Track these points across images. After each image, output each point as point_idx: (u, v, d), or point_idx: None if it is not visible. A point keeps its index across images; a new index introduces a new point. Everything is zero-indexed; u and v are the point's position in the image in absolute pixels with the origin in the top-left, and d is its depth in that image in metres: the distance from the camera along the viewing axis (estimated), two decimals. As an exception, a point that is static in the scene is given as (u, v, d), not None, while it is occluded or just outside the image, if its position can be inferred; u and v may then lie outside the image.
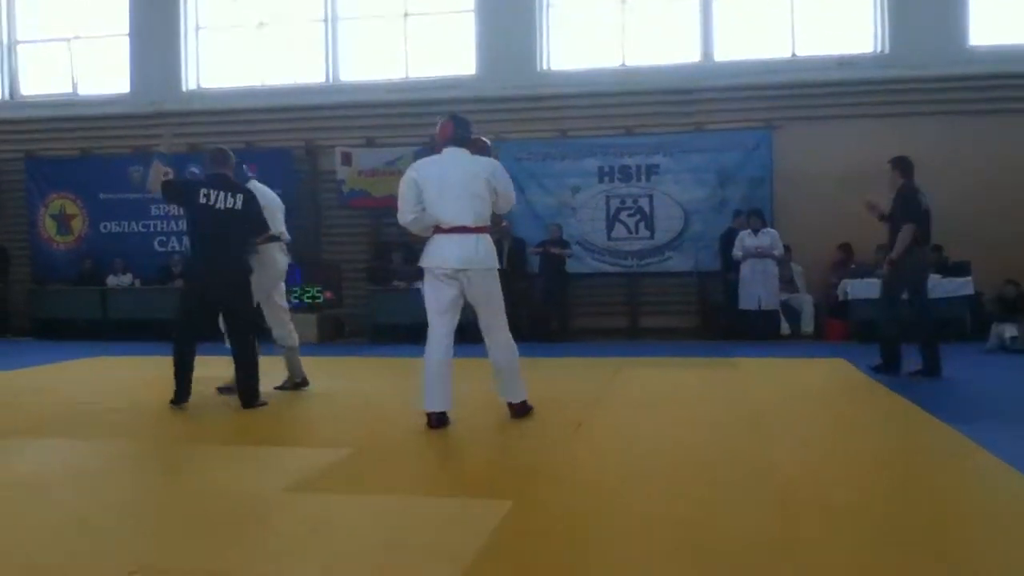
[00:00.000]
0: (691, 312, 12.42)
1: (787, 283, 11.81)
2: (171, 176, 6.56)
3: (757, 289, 11.31)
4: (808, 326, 11.74)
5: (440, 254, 5.37)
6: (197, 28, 14.35)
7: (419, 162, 5.57)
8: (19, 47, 15.08)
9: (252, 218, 6.25)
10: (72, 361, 9.85)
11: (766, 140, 12.27)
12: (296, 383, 7.08)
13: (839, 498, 3.78)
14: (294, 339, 7.00)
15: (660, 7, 13.15)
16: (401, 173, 12.30)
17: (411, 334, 11.86)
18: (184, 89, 14.19)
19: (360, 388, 7.41)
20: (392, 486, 4.08)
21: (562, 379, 7.69)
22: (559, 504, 3.80)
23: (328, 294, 12.39)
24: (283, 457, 4.72)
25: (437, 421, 5.33)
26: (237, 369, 6.29)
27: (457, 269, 5.34)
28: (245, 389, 6.24)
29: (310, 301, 12.19)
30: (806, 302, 11.85)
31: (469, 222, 5.34)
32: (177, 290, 12.72)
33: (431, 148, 12.69)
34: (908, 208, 7.50)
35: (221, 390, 6.79)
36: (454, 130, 5.49)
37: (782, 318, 11.61)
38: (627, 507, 3.69)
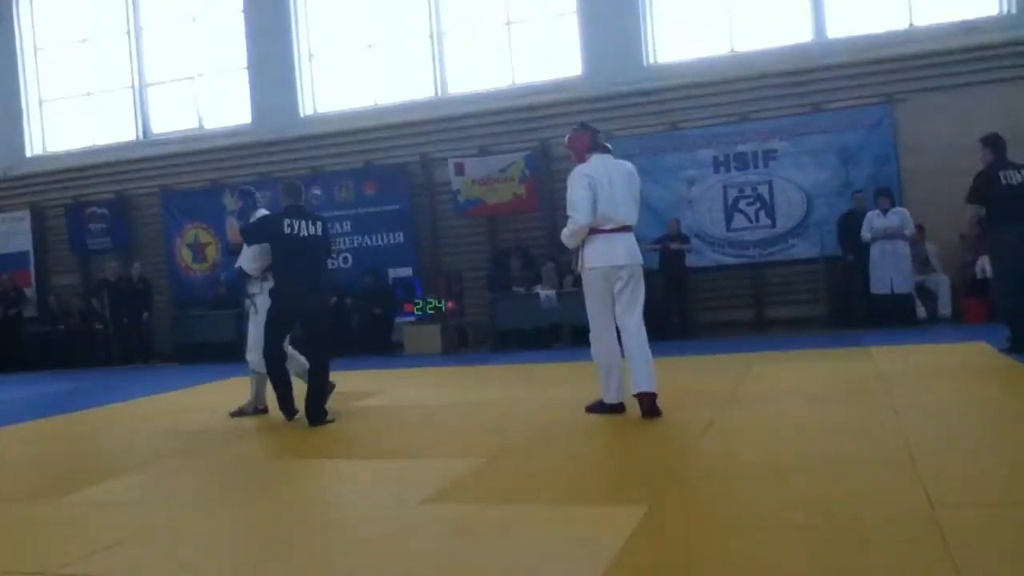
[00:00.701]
0: (820, 300, 12.01)
1: (921, 264, 11.32)
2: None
3: (889, 272, 10.88)
4: (946, 308, 11.22)
5: (611, 252, 5.66)
6: (310, 56, 14.85)
7: (583, 167, 5.75)
8: (149, 89, 15.95)
9: (329, 242, 6.62)
10: (210, 384, 10.29)
11: (888, 115, 11.78)
12: (258, 409, 7.08)
13: (992, 494, 3.58)
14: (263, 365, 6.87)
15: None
16: (513, 179, 12.45)
17: (533, 339, 12.05)
18: (302, 115, 14.72)
19: (487, 396, 7.47)
20: (526, 495, 4.09)
21: (688, 377, 7.57)
22: (695, 508, 3.73)
23: (450, 304, 12.58)
24: (416, 470, 4.80)
25: (622, 408, 5.76)
26: (311, 387, 6.42)
27: (623, 266, 5.67)
28: (315, 408, 6.37)
29: (432, 312, 12.42)
30: (942, 283, 11.31)
31: (632, 221, 5.79)
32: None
33: (543, 154, 12.88)
34: (975, 188, 7.66)
35: (234, 414, 7.02)
36: (594, 137, 5.87)
37: (917, 301, 11.10)
38: (766, 509, 3.60)
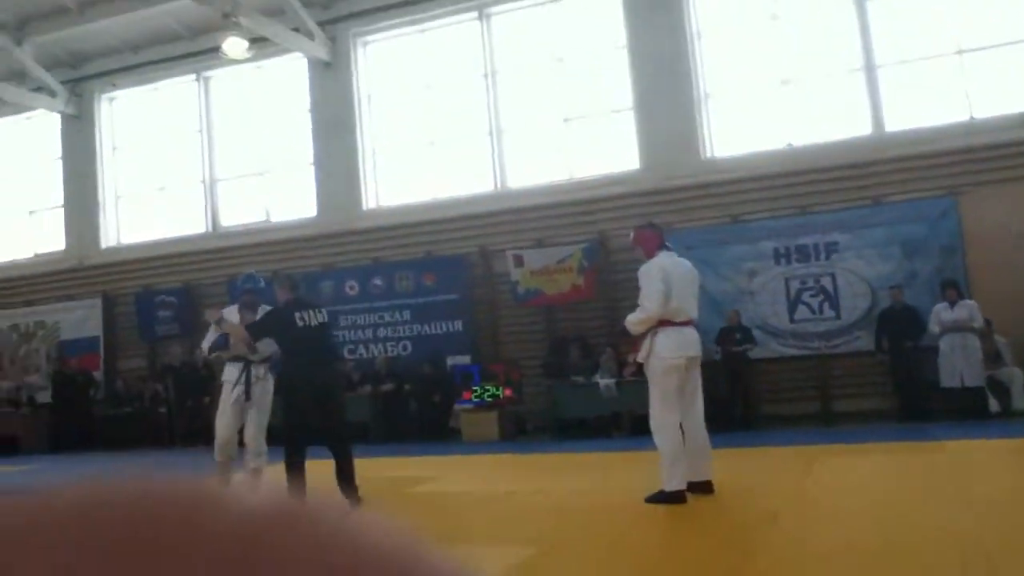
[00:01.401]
0: (887, 393, 11.69)
1: (992, 357, 10.96)
2: (222, 323, 6.85)
3: (959, 365, 10.63)
4: (1020, 402, 10.81)
5: (683, 343, 5.93)
6: (373, 152, 15.32)
7: (658, 260, 6.03)
8: (219, 184, 16.55)
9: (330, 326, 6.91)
10: (272, 465, 10.30)
11: (952, 208, 11.64)
12: None
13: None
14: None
15: (824, 82, 12.93)
16: (572, 270, 12.55)
17: (592, 428, 11.91)
18: (364, 208, 15.08)
19: (543, 484, 7.36)
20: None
21: (752, 469, 7.39)
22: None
23: (507, 391, 12.54)
24: (475, 557, 4.73)
25: (684, 498, 5.69)
26: (340, 473, 6.49)
27: (693, 357, 5.98)
28: (351, 492, 6.36)
29: (490, 399, 12.40)
30: (1015, 376, 10.94)
31: (696, 315, 6.13)
32: (364, 396, 13.40)
33: (600, 245, 12.97)
34: None
35: None
36: (662, 236, 6.25)
37: (989, 395, 10.76)
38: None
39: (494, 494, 6.84)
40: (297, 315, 6.53)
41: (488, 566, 4.37)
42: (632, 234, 6.30)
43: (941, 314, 10.87)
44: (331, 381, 6.76)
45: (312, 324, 6.54)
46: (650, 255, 6.06)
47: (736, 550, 4.51)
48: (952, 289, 10.91)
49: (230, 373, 6.96)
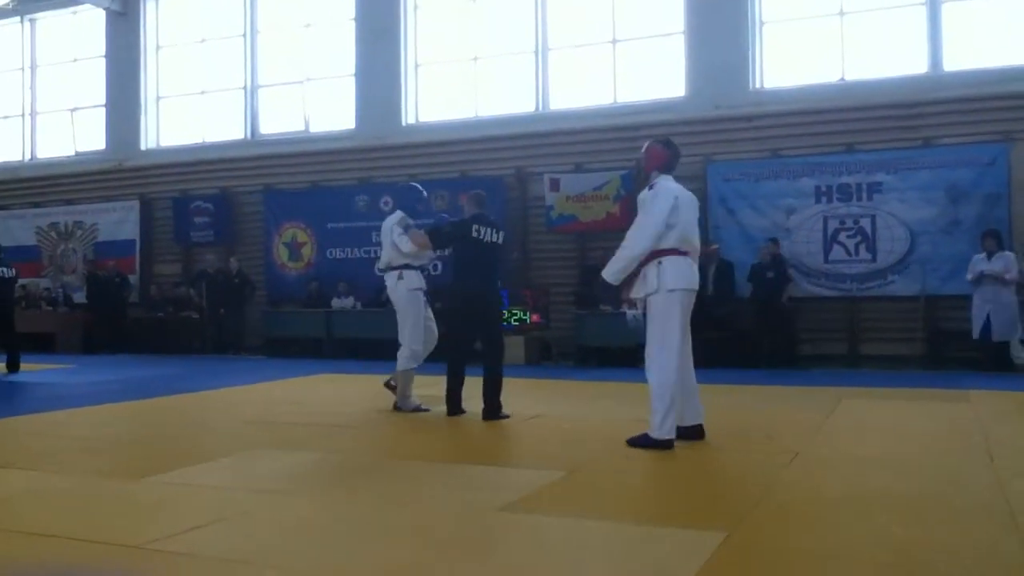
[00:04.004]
0: (917, 339, 11.59)
1: None
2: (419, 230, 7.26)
3: (991, 318, 10.50)
4: None
5: (690, 274, 5.51)
6: (416, 66, 15.11)
7: (671, 184, 5.57)
8: (260, 91, 16.47)
9: (506, 249, 7.04)
10: (297, 378, 10.53)
11: (1003, 154, 11.33)
12: (419, 407, 7.32)
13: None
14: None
15: (882, 17, 12.51)
16: (608, 197, 12.39)
17: (616, 357, 11.96)
18: (404, 123, 14.98)
19: (569, 410, 7.45)
20: (604, 511, 4.06)
21: (778, 407, 7.40)
22: (775, 539, 3.64)
23: (535, 317, 12.59)
24: (498, 477, 4.82)
25: (672, 445, 5.41)
26: (487, 383, 6.83)
27: (696, 291, 5.57)
28: (492, 403, 6.77)
29: (517, 323, 12.46)
30: None
31: (699, 247, 5.67)
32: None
33: (640, 173, 12.79)
34: None
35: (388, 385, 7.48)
36: (673, 158, 5.70)
37: (1013, 346, 10.61)
38: (846, 543, 3.49)
39: (520, 417, 6.90)
40: (474, 227, 6.84)
41: (516, 486, 4.44)
42: (645, 145, 5.73)
43: (977, 264, 10.68)
44: (492, 294, 7.02)
45: (485, 240, 6.83)
46: (649, 171, 5.62)
47: (755, 486, 4.54)
48: (992, 239, 10.69)
49: (418, 280, 7.31)
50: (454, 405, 6.95)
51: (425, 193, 7.88)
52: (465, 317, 6.99)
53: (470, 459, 5.43)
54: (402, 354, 7.27)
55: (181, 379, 10.53)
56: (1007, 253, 10.66)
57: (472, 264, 6.89)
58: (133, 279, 16.36)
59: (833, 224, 12.05)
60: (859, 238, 11.92)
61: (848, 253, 11.95)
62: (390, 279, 7.35)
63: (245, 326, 15.13)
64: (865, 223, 11.89)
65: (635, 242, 5.45)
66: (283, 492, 4.46)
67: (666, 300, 5.42)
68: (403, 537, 3.64)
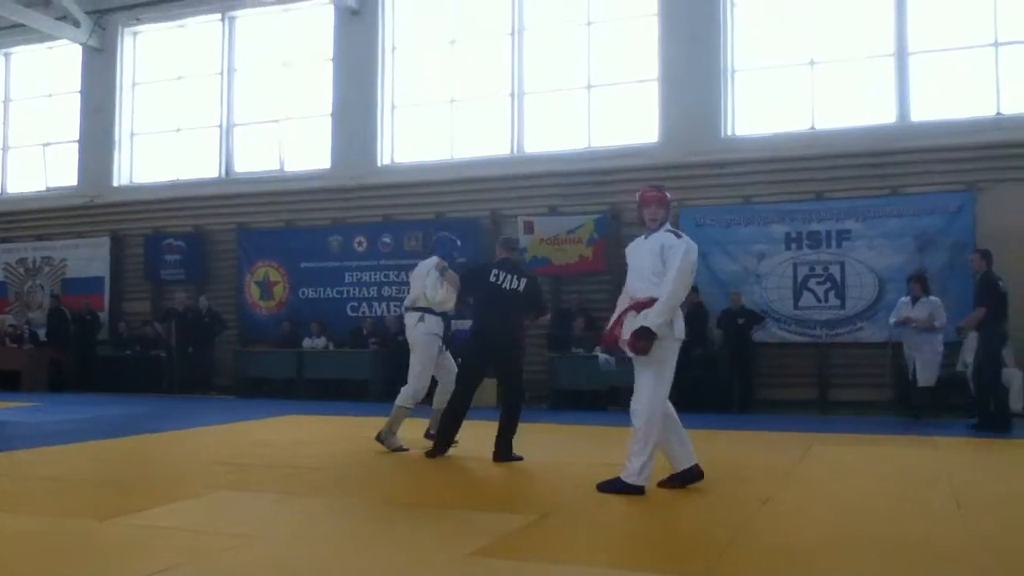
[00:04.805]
0: (885, 385, 11.64)
1: None
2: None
3: (916, 364, 10.44)
4: (1017, 403, 10.58)
5: (683, 327, 5.54)
6: (393, 107, 15.20)
7: (689, 240, 5.56)
8: (235, 129, 16.47)
9: (531, 298, 7.06)
10: (267, 419, 10.40)
11: (969, 203, 11.54)
12: (401, 448, 7.36)
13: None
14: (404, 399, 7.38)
15: (852, 67, 12.79)
16: (582, 241, 12.40)
17: (588, 401, 11.94)
18: (379, 164, 15.02)
19: (540, 454, 7.39)
20: (576, 556, 4.03)
21: (748, 452, 7.41)
22: (749, 584, 3.63)
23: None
24: (470, 520, 4.77)
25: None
26: (502, 424, 6.90)
27: None
28: (505, 444, 6.82)
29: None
30: (1015, 377, 10.74)
31: None
32: (368, 352, 13.46)
33: (613, 217, 12.91)
34: (987, 293, 9.26)
35: (429, 435, 7.45)
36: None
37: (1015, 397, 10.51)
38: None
39: (489, 460, 6.86)
40: (493, 272, 6.98)
41: (486, 531, 4.40)
42: (656, 193, 5.66)
43: (902, 309, 10.59)
44: (507, 338, 7.00)
45: (504, 286, 6.92)
46: (659, 223, 5.56)
47: (727, 530, 4.53)
48: (918, 283, 10.57)
49: (437, 326, 7.37)
50: (441, 445, 6.98)
51: (459, 242, 8.13)
52: (476, 359, 7.08)
53: (442, 502, 5.38)
54: (404, 391, 7.34)
55: (149, 419, 10.37)
56: (933, 299, 10.53)
57: (488, 308, 7.01)
58: (102, 316, 16.17)
59: (803, 270, 12.20)
60: (828, 284, 12.06)
61: (818, 299, 12.08)
62: (411, 319, 7.41)
63: (215, 365, 14.97)
64: (834, 270, 12.04)
65: (679, 290, 5.40)
66: (250, 536, 4.39)
67: (671, 348, 5.45)
68: (373, 582, 3.59)
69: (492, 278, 6.96)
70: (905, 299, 10.67)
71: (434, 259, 7.48)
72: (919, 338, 10.43)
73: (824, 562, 3.89)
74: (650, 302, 5.36)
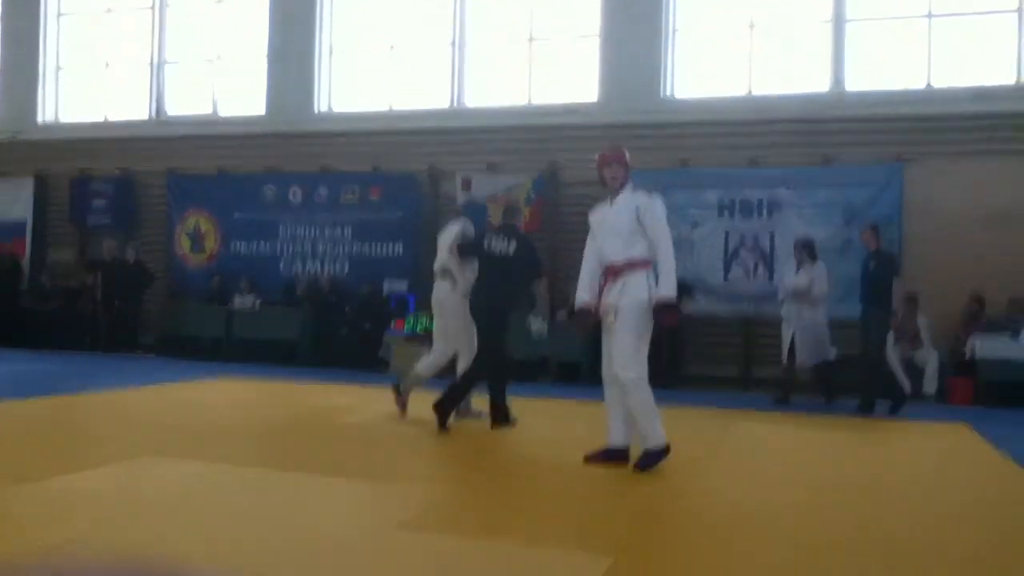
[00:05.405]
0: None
1: (911, 337, 10.77)
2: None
3: (794, 340, 9.82)
4: (931, 386, 10.58)
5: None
6: (331, 51, 14.85)
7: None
8: (166, 67, 15.92)
9: (524, 260, 7.08)
10: (196, 381, 10.22)
11: (898, 175, 11.72)
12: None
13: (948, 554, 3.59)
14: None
15: (790, 33, 12.87)
16: (519, 200, 12.18)
17: (519, 371, 11.80)
18: (316, 111, 14.71)
19: (467, 425, 7.34)
20: (498, 530, 4.08)
21: (669, 429, 7.56)
22: (661, 562, 3.74)
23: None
24: (394, 493, 4.79)
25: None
26: (449, 385, 6.99)
27: None
28: (445, 406, 6.76)
29: (422, 332, 11.76)
30: (931, 359, 10.68)
31: None
32: (299, 312, 13.22)
33: (551, 176, 12.85)
34: (890, 266, 9.27)
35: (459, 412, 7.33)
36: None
37: (902, 377, 10.21)
38: (727, 567, 3.61)
39: (418, 431, 6.85)
40: (486, 239, 7.11)
41: (414, 503, 4.44)
42: (614, 150, 5.60)
43: (785, 277, 10.02)
44: (487, 303, 6.99)
45: (496, 252, 6.98)
46: (622, 184, 5.53)
47: (642, 510, 4.64)
48: (802, 249, 9.85)
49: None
50: (500, 413, 7.00)
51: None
52: (475, 324, 7.12)
53: (367, 474, 5.35)
54: (427, 360, 7.49)
55: (72, 377, 10.13)
56: (818, 264, 9.80)
57: (481, 275, 7.10)
58: (23, 264, 15.51)
59: (734, 240, 12.24)
60: (757, 254, 12.10)
61: (746, 272, 12.09)
62: (441, 287, 7.45)
63: (141, 321, 14.49)
64: (764, 241, 12.06)
65: (671, 251, 5.41)
66: (168, 505, 4.35)
67: (649, 311, 5.36)
68: (295, 556, 3.60)
69: (484, 245, 7.08)
70: (788, 266, 10.19)
71: (461, 222, 7.63)
72: (799, 310, 9.70)
73: (732, 543, 4.02)
74: (626, 265, 5.37)
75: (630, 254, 5.38)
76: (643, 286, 5.35)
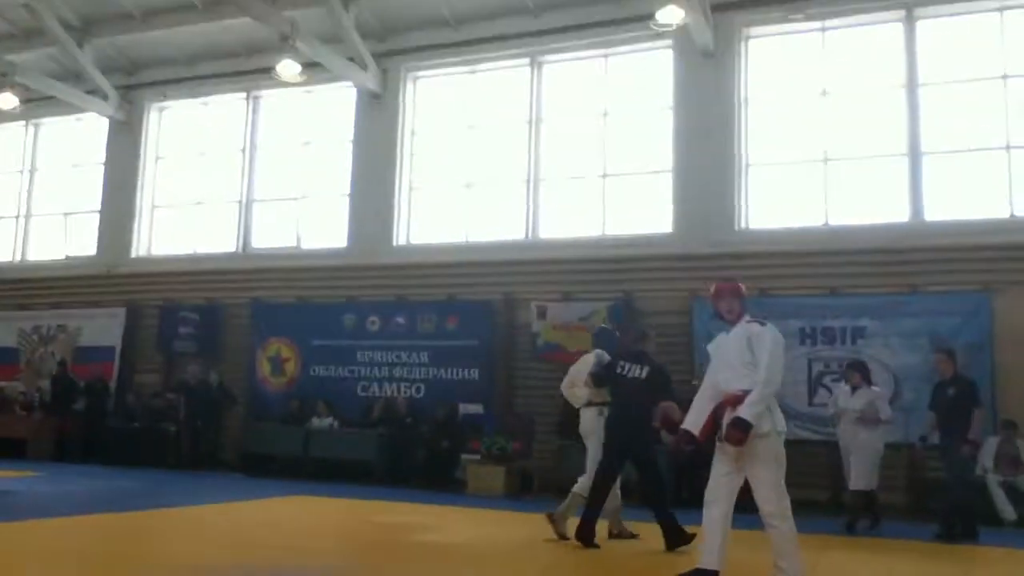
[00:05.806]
0: (899, 488, 11.24)
1: (1011, 461, 10.45)
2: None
3: (848, 462, 9.64)
4: (1009, 513, 10.08)
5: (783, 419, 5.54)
6: (410, 188, 15.37)
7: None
8: (254, 205, 16.66)
9: (655, 385, 7.34)
10: (273, 499, 10.21)
11: (984, 304, 11.43)
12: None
13: None
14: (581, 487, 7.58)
15: (865, 166, 12.87)
16: (591, 329, 12.11)
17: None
18: (395, 244, 15.11)
19: (547, 545, 7.18)
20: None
21: (753, 555, 7.20)
22: None
23: (517, 445, 12.32)
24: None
25: None
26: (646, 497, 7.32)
27: None
28: (669, 529, 7.05)
29: (498, 451, 12.11)
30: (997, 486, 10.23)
31: None
32: (375, 433, 13.32)
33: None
34: (972, 395, 9.00)
35: (612, 535, 7.65)
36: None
37: (999, 502, 10.03)
38: None
39: (497, 550, 6.68)
40: (620, 363, 7.45)
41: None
42: (730, 285, 5.72)
43: (839, 399, 9.89)
44: (631, 423, 7.31)
45: (629, 376, 7.33)
46: (738, 316, 5.57)
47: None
48: (856, 372, 9.80)
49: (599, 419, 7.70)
50: (587, 533, 7.06)
51: (618, 334, 8.81)
52: (608, 447, 7.38)
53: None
54: (582, 480, 7.62)
55: (152, 494, 10.21)
56: (875, 388, 9.80)
57: (616, 398, 7.45)
58: (111, 387, 16.02)
59: (818, 366, 12.03)
60: (843, 381, 11.81)
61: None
62: (589, 413, 7.76)
63: (222, 440, 14.80)
64: (850, 367, 11.82)
65: (773, 377, 5.37)
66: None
67: (778, 441, 5.41)
68: None
69: (618, 369, 7.42)
70: (844, 387, 9.95)
71: (596, 353, 7.88)
72: (854, 433, 9.53)
73: None
74: (743, 394, 5.35)
75: (744, 384, 5.37)
76: (763, 418, 5.33)
